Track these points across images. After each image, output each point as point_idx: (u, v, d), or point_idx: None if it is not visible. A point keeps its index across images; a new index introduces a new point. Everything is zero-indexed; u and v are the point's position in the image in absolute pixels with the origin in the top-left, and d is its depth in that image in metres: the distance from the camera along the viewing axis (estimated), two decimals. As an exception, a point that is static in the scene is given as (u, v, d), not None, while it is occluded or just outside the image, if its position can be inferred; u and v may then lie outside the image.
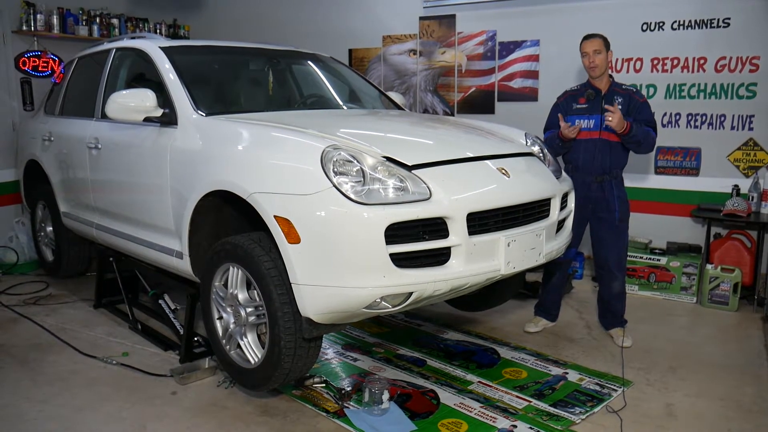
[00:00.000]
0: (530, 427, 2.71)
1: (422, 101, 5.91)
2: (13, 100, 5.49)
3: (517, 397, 2.99)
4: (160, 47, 3.58)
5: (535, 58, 5.30)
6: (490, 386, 3.10)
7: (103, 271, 4.23)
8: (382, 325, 3.94)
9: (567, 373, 3.27)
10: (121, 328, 3.91)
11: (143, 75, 3.70)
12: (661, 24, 4.75)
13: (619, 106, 3.55)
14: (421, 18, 5.78)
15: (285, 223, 2.46)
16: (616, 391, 3.07)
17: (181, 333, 3.43)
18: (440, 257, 2.50)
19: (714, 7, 4.54)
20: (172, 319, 3.60)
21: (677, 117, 4.77)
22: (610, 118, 3.42)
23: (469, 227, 2.52)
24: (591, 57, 3.53)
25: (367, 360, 3.41)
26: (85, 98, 4.21)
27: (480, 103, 5.61)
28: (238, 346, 2.91)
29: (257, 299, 2.75)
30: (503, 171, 2.80)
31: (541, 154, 3.28)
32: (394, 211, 2.37)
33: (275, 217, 2.50)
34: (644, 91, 4.79)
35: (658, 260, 4.59)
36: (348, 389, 3.02)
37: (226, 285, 2.90)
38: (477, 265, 2.56)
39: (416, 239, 2.43)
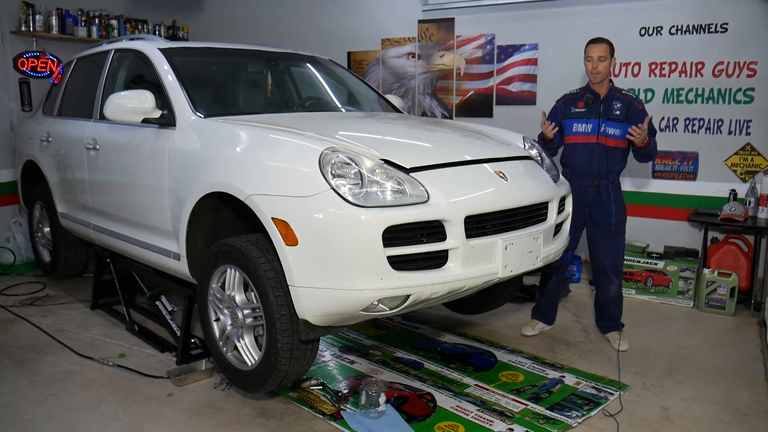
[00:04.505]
0: (527, 431, 2.71)
1: (421, 104, 5.92)
2: (12, 101, 5.48)
3: (514, 400, 2.99)
4: (158, 48, 3.58)
5: (533, 61, 5.31)
6: (487, 389, 3.10)
7: (100, 272, 4.22)
8: (379, 327, 3.94)
9: (564, 376, 3.27)
10: (117, 329, 3.91)
11: (142, 76, 3.70)
12: (659, 29, 4.76)
13: (617, 112, 3.56)
14: (419, 21, 5.80)
15: (282, 225, 2.46)
16: (612, 394, 3.07)
17: (178, 334, 3.42)
18: (438, 260, 2.50)
19: (712, 12, 4.56)
20: (169, 321, 3.59)
21: (675, 121, 4.79)
22: (635, 135, 3.43)
23: (466, 230, 2.52)
24: (595, 63, 3.53)
25: (364, 362, 3.41)
26: (83, 99, 4.21)
27: (478, 107, 5.62)
28: (235, 348, 2.91)
29: (254, 301, 2.75)
30: (501, 174, 2.81)
31: (539, 158, 3.28)
32: (392, 214, 2.37)
33: (273, 219, 2.50)
34: (642, 96, 4.80)
35: (655, 264, 4.59)
36: (345, 392, 3.02)
37: (223, 287, 2.90)
38: (474, 268, 2.57)
39: (414, 242, 2.43)
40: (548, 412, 2.88)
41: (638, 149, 3.56)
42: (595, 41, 3.58)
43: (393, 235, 2.37)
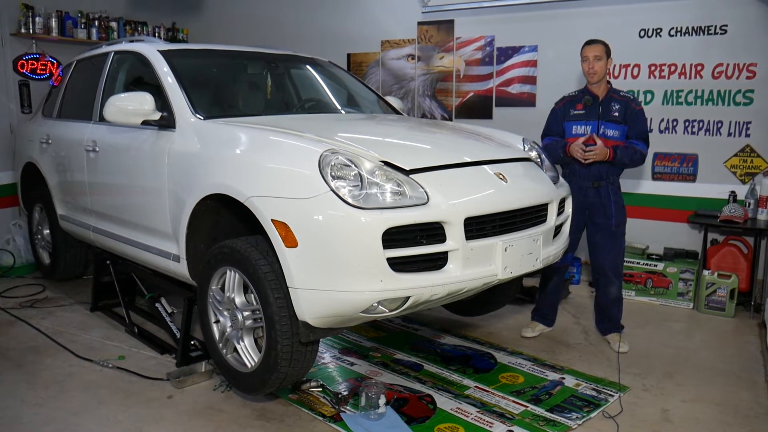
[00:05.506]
0: (527, 432, 2.71)
1: (420, 106, 5.92)
2: (11, 103, 5.49)
3: (514, 402, 2.99)
4: (158, 50, 3.58)
5: (533, 63, 5.31)
6: (487, 391, 3.10)
7: (100, 274, 4.22)
8: (379, 329, 3.94)
9: (564, 378, 3.27)
10: (117, 331, 3.90)
11: (141, 78, 3.71)
12: (658, 30, 4.76)
13: (616, 113, 3.57)
14: (419, 23, 5.80)
15: (282, 227, 2.46)
16: (612, 396, 3.07)
17: (178, 336, 3.42)
18: (437, 262, 2.50)
19: (711, 14, 4.56)
20: (168, 323, 3.59)
21: (674, 123, 4.79)
22: (591, 157, 3.48)
23: (466, 232, 2.52)
24: (591, 62, 3.54)
25: (364, 364, 3.41)
26: (83, 101, 4.21)
27: (478, 108, 5.62)
28: (235, 349, 2.90)
29: (254, 303, 2.75)
30: (501, 176, 2.81)
31: (538, 160, 3.29)
32: (392, 216, 2.37)
33: (273, 220, 2.50)
34: (641, 98, 4.81)
35: (655, 266, 4.59)
36: (345, 393, 3.02)
37: (223, 289, 2.90)
38: (474, 270, 2.56)
39: (413, 244, 2.43)
40: (548, 414, 2.88)
41: (609, 162, 3.56)
42: (589, 42, 3.60)
43: (393, 237, 2.37)
